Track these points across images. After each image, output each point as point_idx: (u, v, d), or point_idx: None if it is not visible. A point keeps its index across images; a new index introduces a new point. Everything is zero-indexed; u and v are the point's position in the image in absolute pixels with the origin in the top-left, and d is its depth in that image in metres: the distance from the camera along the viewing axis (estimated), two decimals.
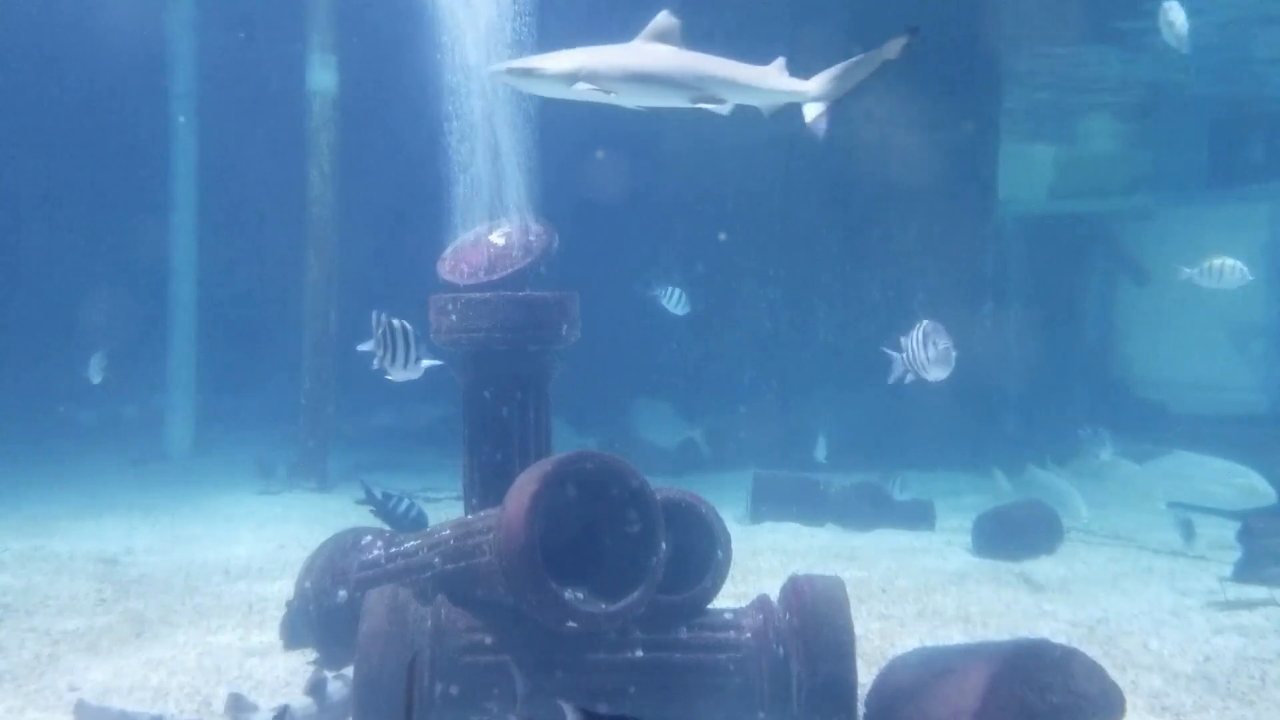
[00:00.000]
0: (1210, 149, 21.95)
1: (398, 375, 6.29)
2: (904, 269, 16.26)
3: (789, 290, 16.04)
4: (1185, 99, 21.27)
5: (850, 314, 16.23)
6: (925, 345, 6.32)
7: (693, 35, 5.96)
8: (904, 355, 6.49)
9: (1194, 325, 19.92)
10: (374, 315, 6.25)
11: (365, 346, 6.26)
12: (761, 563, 10.05)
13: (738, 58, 6.08)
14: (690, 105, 5.96)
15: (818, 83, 5.89)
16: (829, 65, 5.89)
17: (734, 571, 6.54)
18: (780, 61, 6.08)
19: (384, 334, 6.19)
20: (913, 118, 16.09)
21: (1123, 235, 21.83)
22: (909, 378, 6.47)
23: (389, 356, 6.20)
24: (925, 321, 6.48)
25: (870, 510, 11.98)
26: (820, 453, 12.77)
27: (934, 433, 14.80)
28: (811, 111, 5.93)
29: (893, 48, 5.60)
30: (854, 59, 5.82)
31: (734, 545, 6.27)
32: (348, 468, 14.46)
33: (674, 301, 12.22)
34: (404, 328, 6.22)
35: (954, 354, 6.32)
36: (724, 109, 6.04)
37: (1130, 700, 5.57)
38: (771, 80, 6.01)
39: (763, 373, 15.95)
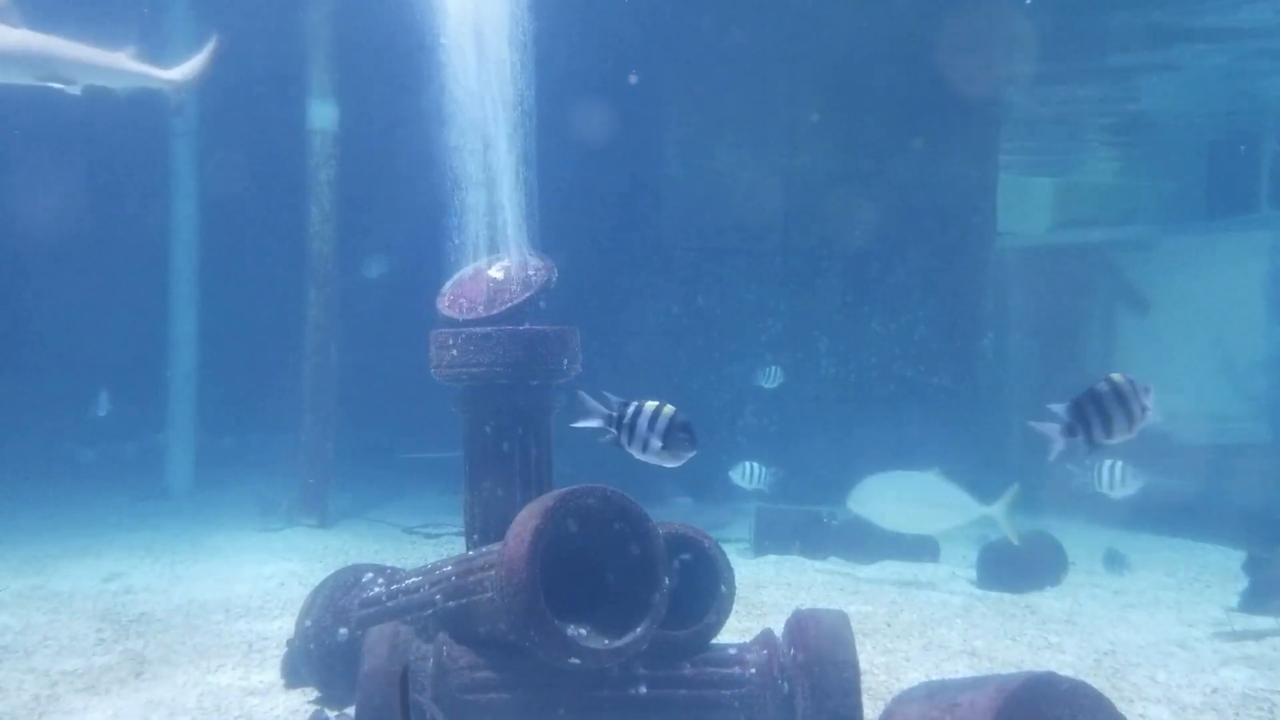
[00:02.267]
0: (1209, 178, 22.01)
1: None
2: (905, 301, 16.30)
3: (790, 323, 16.05)
4: (1184, 128, 21.36)
5: (851, 346, 16.24)
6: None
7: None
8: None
9: (1195, 355, 19.89)
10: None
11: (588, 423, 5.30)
12: (765, 596, 10.00)
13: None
14: (37, 83, 6.23)
15: (179, 73, 6.57)
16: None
17: (737, 606, 6.50)
18: (130, 50, 6.64)
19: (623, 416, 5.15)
20: (912, 150, 16.19)
21: (1123, 265, 21.86)
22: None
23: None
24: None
25: (873, 543, 11.91)
26: (744, 480, 11.57)
27: (934, 465, 14.74)
28: (173, 98, 6.81)
29: (218, 46, 6.75)
30: (204, 53, 6.78)
31: (737, 579, 6.24)
32: (348, 504, 14.41)
33: (768, 378, 12.28)
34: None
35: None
36: (74, 89, 6.39)
37: None
38: (125, 65, 6.50)
39: (764, 406, 15.93)
